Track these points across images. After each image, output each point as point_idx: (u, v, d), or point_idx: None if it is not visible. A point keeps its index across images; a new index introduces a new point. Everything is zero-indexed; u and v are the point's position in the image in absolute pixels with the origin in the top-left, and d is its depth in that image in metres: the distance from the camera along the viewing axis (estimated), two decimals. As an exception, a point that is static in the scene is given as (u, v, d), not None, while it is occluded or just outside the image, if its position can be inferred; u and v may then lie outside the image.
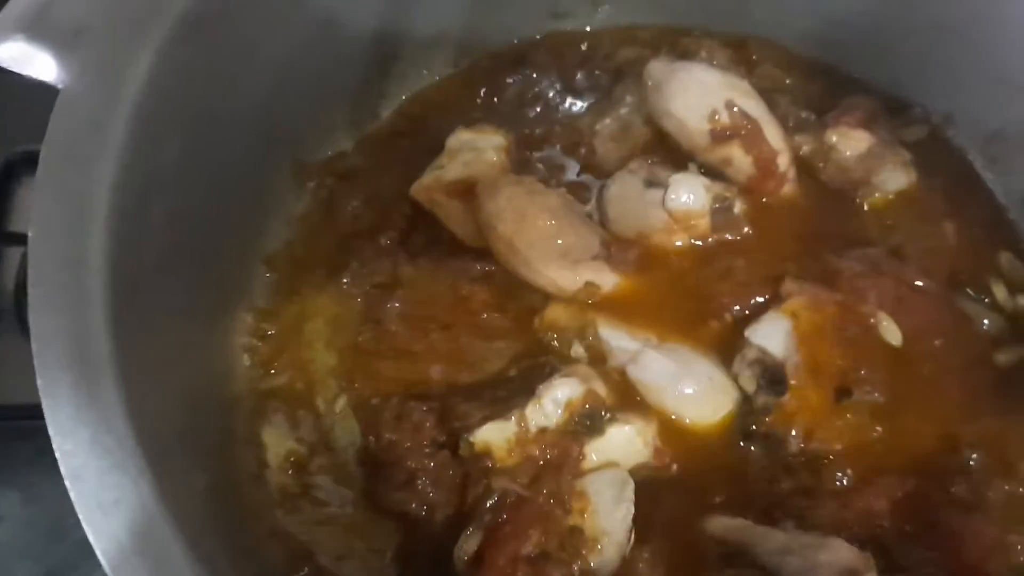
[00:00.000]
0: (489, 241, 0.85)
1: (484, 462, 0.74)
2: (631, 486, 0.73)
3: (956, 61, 0.89)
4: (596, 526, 0.70)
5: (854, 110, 0.92)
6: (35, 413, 0.95)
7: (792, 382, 0.76)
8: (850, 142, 0.89)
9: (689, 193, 0.85)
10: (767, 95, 0.90)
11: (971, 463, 0.76)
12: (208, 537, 0.54)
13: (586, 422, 0.75)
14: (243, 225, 0.83)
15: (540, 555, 0.69)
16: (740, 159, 0.88)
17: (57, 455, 0.49)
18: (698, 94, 0.88)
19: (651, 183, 0.88)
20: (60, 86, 0.59)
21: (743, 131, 0.87)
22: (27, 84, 0.61)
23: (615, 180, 0.90)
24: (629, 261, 0.85)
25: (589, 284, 0.83)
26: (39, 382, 0.51)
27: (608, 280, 0.84)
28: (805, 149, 0.91)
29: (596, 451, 0.75)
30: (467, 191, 0.87)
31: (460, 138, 0.91)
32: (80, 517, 0.48)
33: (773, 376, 0.78)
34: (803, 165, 0.91)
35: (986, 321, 0.84)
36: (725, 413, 0.79)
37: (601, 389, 0.77)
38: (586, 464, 0.74)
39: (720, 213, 0.86)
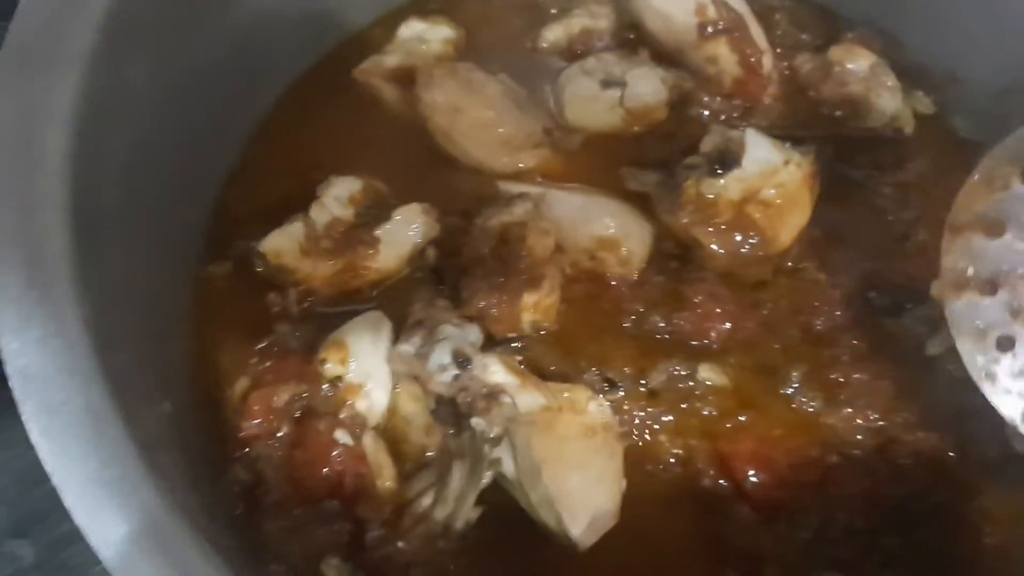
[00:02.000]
0: (428, 130, 0.85)
1: (283, 274, 0.76)
2: (387, 324, 0.73)
3: (966, 16, 0.87)
4: (358, 371, 0.71)
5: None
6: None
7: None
8: (855, 58, 0.88)
9: (648, 89, 0.85)
10: (762, 16, 0.89)
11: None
12: (165, 453, 0.52)
13: (373, 212, 0.78)
14: (208, 153, 0.82)
15: (302, 407, 0.70)
16: (726, 57, 0.87)
17: (3, 355, 0.48)
18: None
19: (608, 83, 0.87)
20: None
21: (730, 26, 0.85)
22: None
23: (570, 80, 0.89)
24: (572, 145, 0.86)
25: (526, 169, 0.84)
26: (-14, 280, 0.49)
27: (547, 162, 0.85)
28: (806, 67, 0.89)
29: (386, 234, 0.77)
30: (407, 78, 0.87)
31: (411, 26, 0.92)
32: (24, 419, 0.47)
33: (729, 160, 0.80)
34: (798, 85, 0.90)
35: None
36: (648, 244, 0.81)
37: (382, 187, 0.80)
38: (380, 248, 0.76)
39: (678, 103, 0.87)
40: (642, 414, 0.76)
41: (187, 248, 0.78)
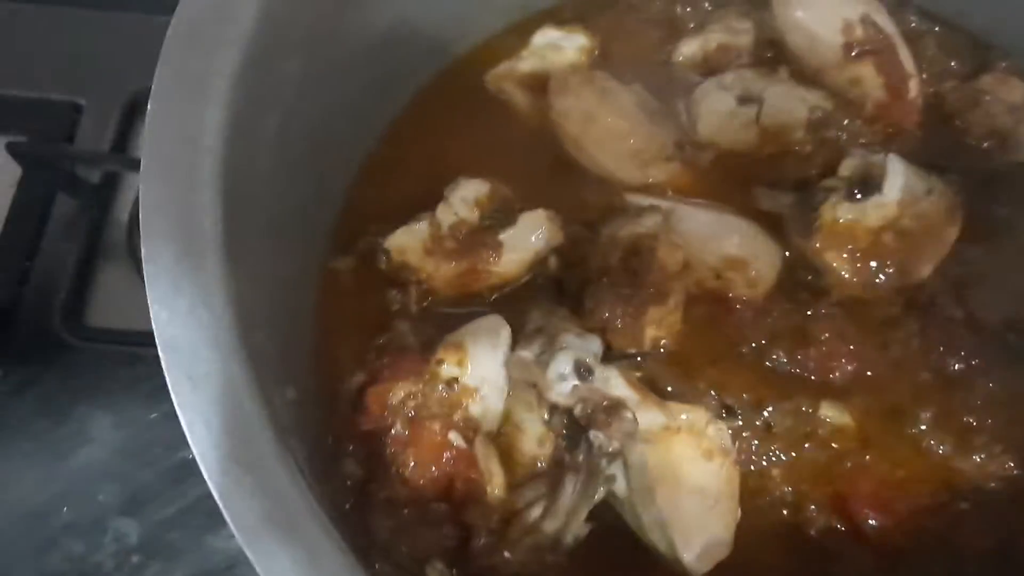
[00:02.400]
0: (557, 138, 0.84)
1: (406, 272, 0.76)
2: (507, 329, 0.71)
3: None
4: (474, 374, 0.69)
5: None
6: (136, 340, 0.97)
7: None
8: (1007, 89, 0.84)
9: (786, 107, 0.82)
10: (910, 40, 0.85)
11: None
12: (291, 438, 0.52)
13: (498, 215, 0.77)
14: (341, 150, 0.83)
15: (417, 406, 0.68)
16: (871, 80, 0.83)
17: (153, 324, 0.48)
18: (832, 5, 0.84)
19: (745, 100, 0.84)
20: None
21: (878, 48, 0.82)
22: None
23: (706, 94, 0.87)
24: (703, 161, 0.83)
25: (655, 182, 0.82)
26: (143, 250, 0.49)
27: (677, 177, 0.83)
28: (953, 95, 0.86)
29: (510, 238, 0.76)
30: (539, 85, 0.87)
31: (546, 34, 0.91)
32: (169, 387, 0.47)
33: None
34: (944, 113, 0.86)
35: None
36: (777, 267, 0.78)
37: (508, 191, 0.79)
38: (503, 253, 0.76)
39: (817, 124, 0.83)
40: (757, 443, 0.73)
41: (315, 240, 0.79)
